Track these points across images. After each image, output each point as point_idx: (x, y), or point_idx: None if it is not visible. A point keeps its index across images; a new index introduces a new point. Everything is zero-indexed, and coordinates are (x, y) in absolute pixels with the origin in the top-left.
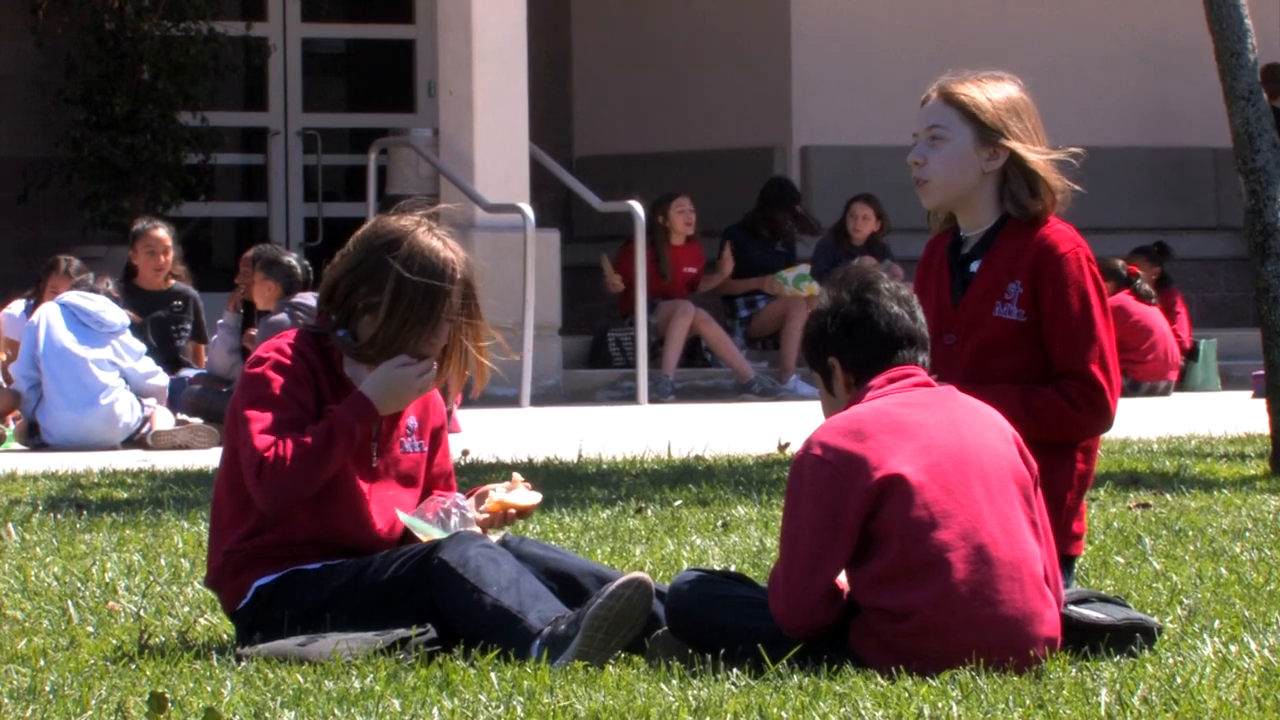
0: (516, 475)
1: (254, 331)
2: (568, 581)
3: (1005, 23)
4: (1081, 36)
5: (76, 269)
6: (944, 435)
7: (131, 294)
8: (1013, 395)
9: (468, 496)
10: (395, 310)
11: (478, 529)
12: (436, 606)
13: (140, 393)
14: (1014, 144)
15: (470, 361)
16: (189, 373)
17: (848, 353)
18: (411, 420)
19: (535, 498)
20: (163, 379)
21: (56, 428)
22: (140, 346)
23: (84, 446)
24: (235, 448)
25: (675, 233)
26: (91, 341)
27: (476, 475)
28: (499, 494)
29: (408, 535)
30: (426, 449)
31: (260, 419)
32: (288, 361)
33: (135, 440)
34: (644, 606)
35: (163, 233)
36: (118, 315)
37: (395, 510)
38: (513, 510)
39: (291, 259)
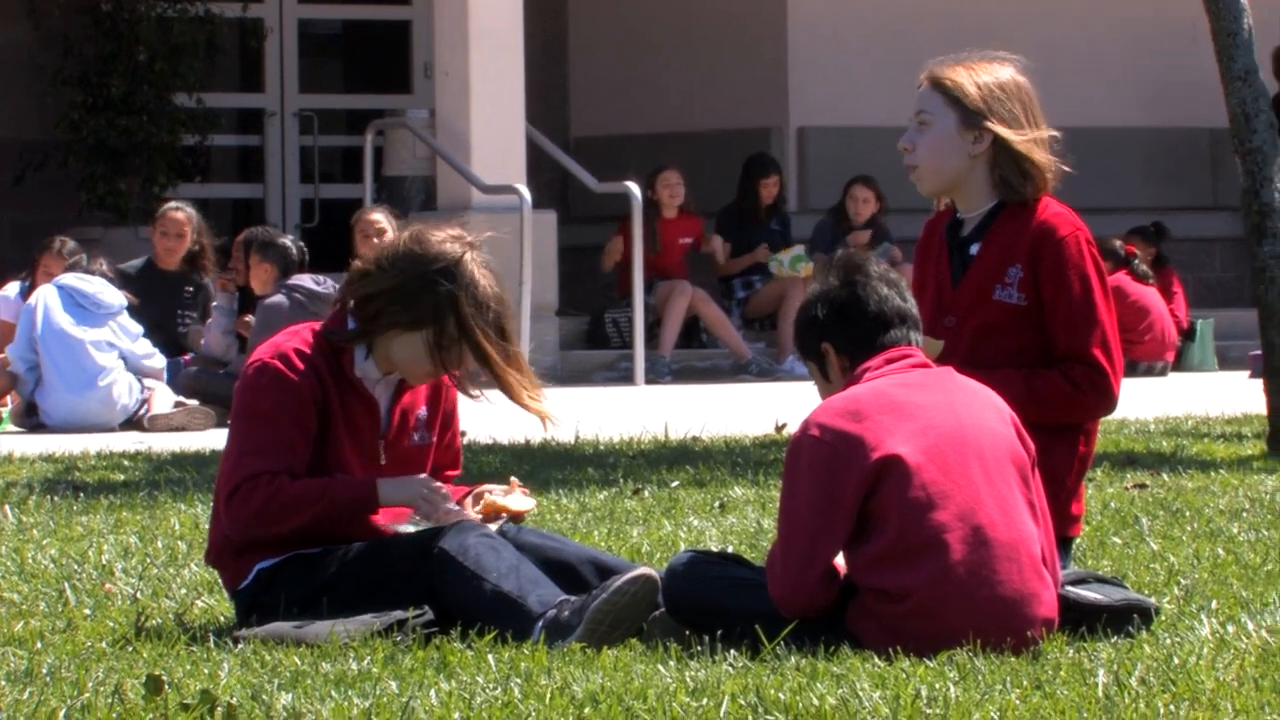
0: (514, 479)
1: (250, 318)
2: (566, 570)
3: (1002, 2)
4: (1078, 17)
5: (70, 250)
6: (942, 416)
7: (151, 272)
8: (1016, 379)
9: (464, 495)
10: (441, 338)
11: None
12: (436, 593)
13: (138, 372)
14: (996, 127)
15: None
16: (187, 357)
17: (840, 336)
18: (422, 412)
19: (530, 503)
20: (159, 360)
21: (55, 409)
22: (137, 328)
23: (82, 428)
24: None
25: (665, 206)
26: (89, 323)
27: (473, 457)
28: (495, 497)
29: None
30: (435, 439)
31: (250, 436)
32: (291, 376)
33: (133, 421)
34: (648, 602)
35: (180, 215)
36: (115, 296)
37: (387, 523)
38: (505, 515)
39: (287, 240)
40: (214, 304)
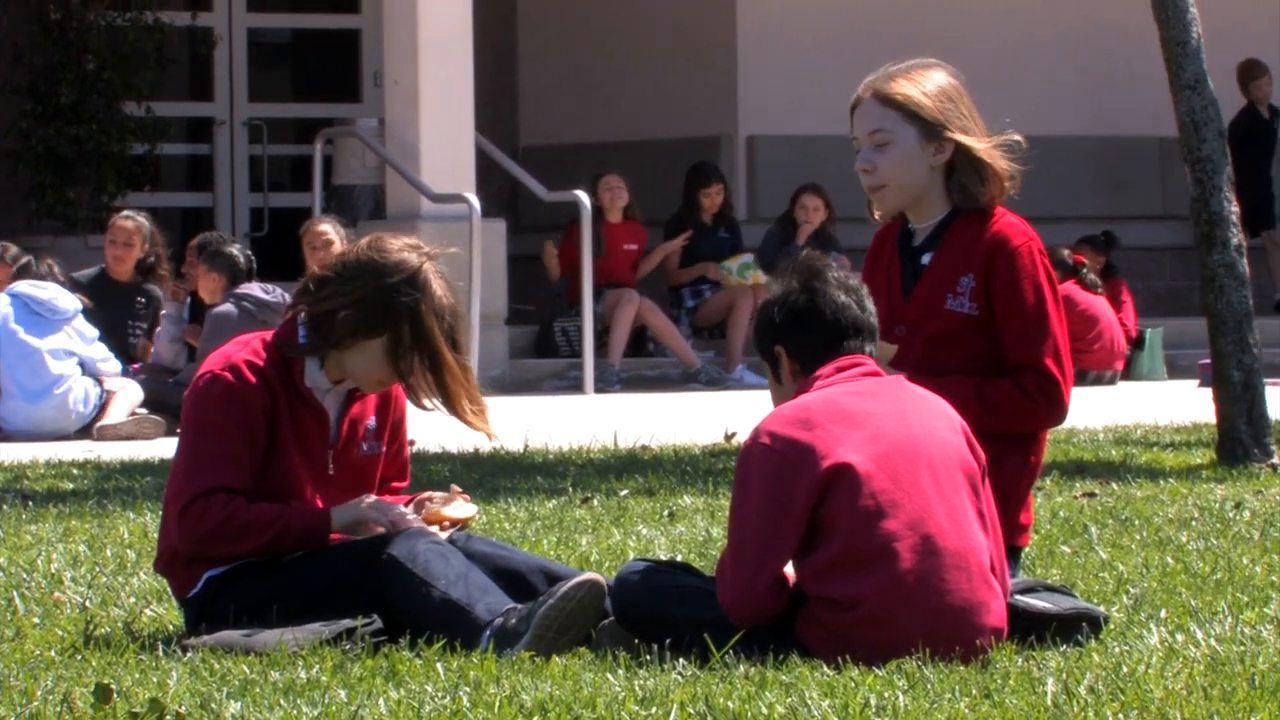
0: (454, 486)
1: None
2: (515, 578)
3: (952, 10)
4: (1027, 25)
5: (13, 255)
6: (892, 425)
7: (104, 281)
8: (967, 387)
9: (406, 504)
10: (398, 346)
11: None
12: (384, 600)
13: (97, 376)
14: (958, 136)
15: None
16: (137, 366)
17: (794, 341)
18: (371, 421)
19: (471, 510)
20: (114, 365)
21: (12, 417)
22: (93, 331)
23: (38, 435)
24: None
25: (608, 210)
26: (45, 330)
27: (422, 465)
28: (435, 506)
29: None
30: (384, 448)
31: (200, 449)
32: (241, 388)
33: (90, 427)
34: (596, 608)
35: (129, 224)
36: (70, 301)
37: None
38: (447, 523)
39: (234, 250)
40: (163, 312)
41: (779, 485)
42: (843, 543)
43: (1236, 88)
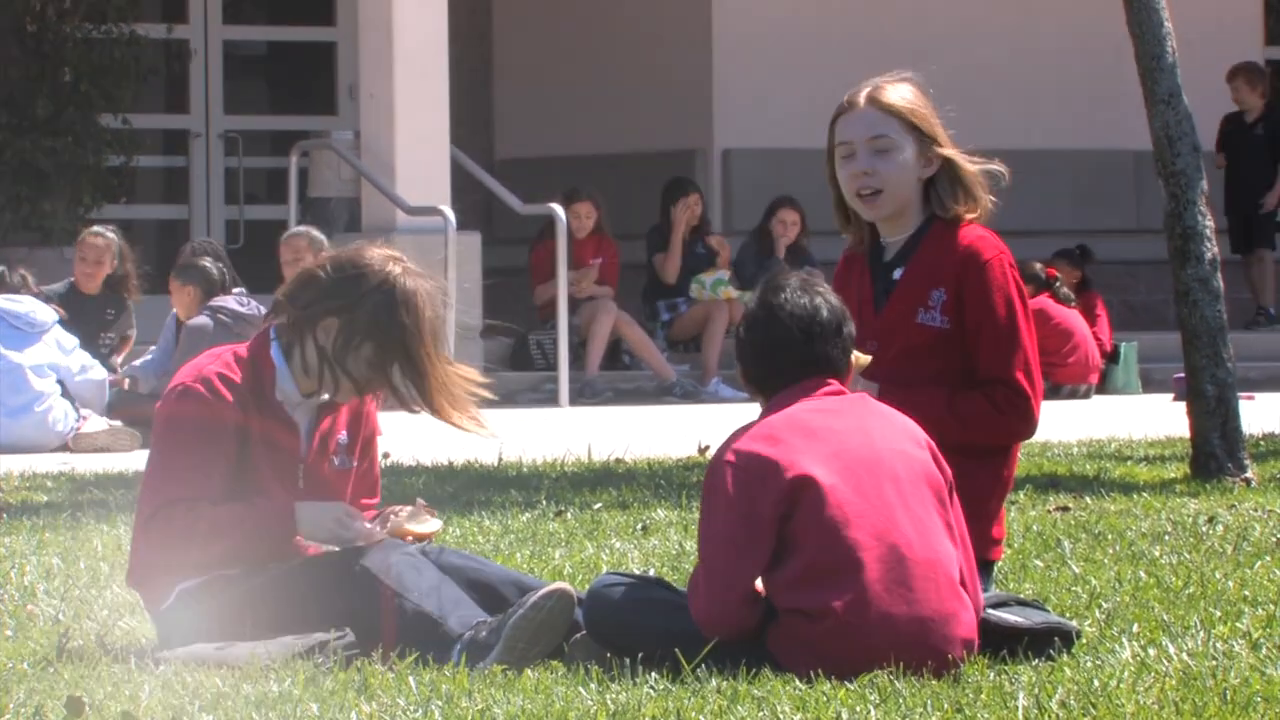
0: (420, 500)
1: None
2: (488, 591)
3: (927, 25)
4: (1002, 39)
5: None
6: (855, 439)
7: (73, 295)
8: (938, 399)
9: (373, 519)
10: (382, 356)
11: None
12: (357, 611)
13: (75, 395)
14: (948, 151)
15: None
16: (111, 376)
17: (745, 366)
18: (343, 436)
19: (436, 525)
20: (99, 372)
21: None
22: (72, 340)
23: (17, 451)
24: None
25: (576, 231)
26: (25, 343)
27: (396, 478)
28: (400, 520)
29: None
30: (355, 464)
31: (170, 460)
32: (213, 400)
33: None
34: (565, 617)
35: (100, 241)
36: (47, 313)
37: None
38: (411, 538)
39: (206, 262)
40: (138, 365)
41: (746, 499)
42: (810, 554)
43: (1214, 93)
